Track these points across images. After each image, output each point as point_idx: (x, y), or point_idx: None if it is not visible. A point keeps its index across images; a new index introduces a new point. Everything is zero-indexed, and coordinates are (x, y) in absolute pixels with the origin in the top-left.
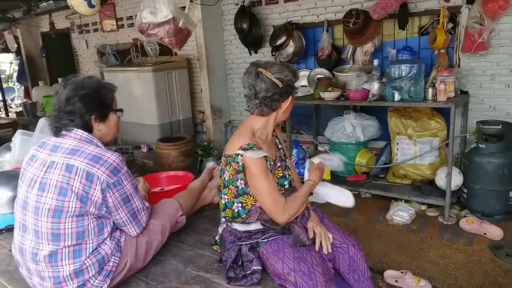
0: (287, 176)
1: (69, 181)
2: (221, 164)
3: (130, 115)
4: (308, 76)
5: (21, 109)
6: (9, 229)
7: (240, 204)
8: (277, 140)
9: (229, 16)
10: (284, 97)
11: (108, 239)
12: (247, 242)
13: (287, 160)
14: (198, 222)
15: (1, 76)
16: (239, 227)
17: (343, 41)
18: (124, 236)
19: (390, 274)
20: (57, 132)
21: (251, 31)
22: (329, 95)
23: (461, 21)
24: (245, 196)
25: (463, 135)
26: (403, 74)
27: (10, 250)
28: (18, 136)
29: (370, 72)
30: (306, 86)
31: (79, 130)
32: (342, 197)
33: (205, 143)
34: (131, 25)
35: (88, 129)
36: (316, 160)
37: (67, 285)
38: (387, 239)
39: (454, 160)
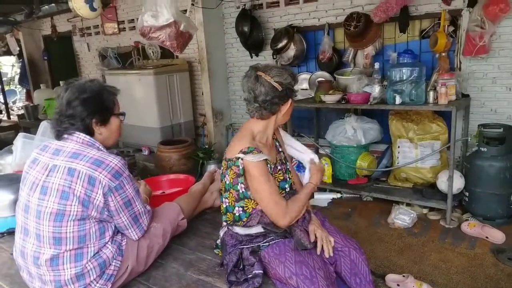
0: (288, 179)
1: (71, 185)
2: (222, 167)
3: (131, 118)
4: (309, 79)
5: (22, 111)
6: (11, 232)
7: (241, 208)
8: (277, 143)
9: (230, 19)
10: (283, 100)
11: (109, 243)
12: (249, 246)
13: (287, 163)
14: (199, 225)
15: (3, 79)
16: (240, 230)
17: (344, 44)
18: (125, 240)
19: (392, 278)
20: (58, 135)
21: (252, 34)
22: (330, 98)
23: (462, 24)
24: (246, 200)
25: (464, 139)
26: (404, 77)
27: (12, 254)
28: (20, 139)
29: (371, 75)
30: (307, 89)
31: (81, 134)
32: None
33: (206, 146)
34: (133, 28)
35: (89, 132)
36: (317, 159)
37: None
38: (388, 242)
39: (455, 163)
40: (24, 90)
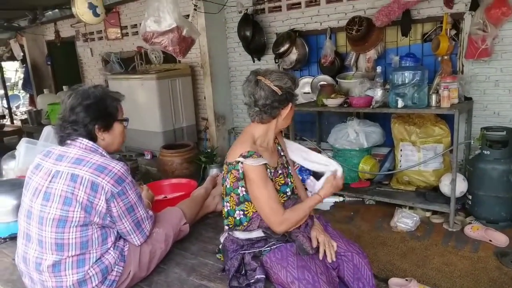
0: (290, 183)
1: (73, 191)
2: (223, 171)
3: (134, 122)
4: (311, 83)
5: (26, 116)
6: (13, 238)
7: (241, 212)
8: (279, 148)
9: (233, 24)
10: (283, 104)
11: (111, 248)
12: (250, 251)
13: (289, 167)
14: (202, 230)
15: (7, 84)
16: (240, 235)
17: (346, 48)
18: (127, 245)
19: (395, 282)
20: (62, 141)
21: (254, 39)
22: (332, 102)
23: (464, 28)
24: (246, 203)
25: (467, 142)
26: (407, 81)
27: (14, 259)
28: (23, 144)
29: (373, 79)
30: (309, 93)
31: (84, 140)
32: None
33: (209, 150)
34: (136, 33)
35: (92, 138)
36: (340, 172)
37: None
38: (391, 246)
39: (458, 166)
40: (28, 95)
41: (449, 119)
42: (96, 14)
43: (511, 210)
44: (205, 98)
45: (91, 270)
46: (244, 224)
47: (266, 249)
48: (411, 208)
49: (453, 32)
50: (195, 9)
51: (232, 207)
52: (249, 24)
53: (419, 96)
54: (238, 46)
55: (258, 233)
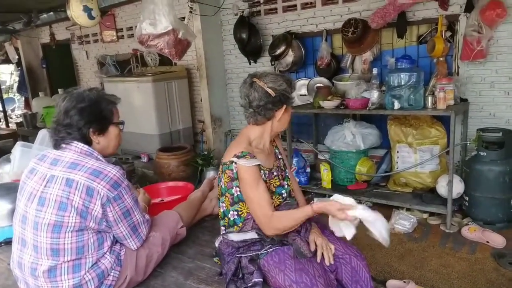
0: (286, 186)
1: (69, 196)
2: (219, 172)
3: (130, 125)
4: (308, 85)
5: (21, 119)
6: (8, 242)
7: (235, 212)
8: (277, 151)
9: (229, 26)
10: (277, 106)
11: (108, 253)
12: (247, 254)
13: (286, 170)
14: (199, 233)
15: (2, 87)
16: (235, 237)
17: (342, 50)
18: (124, 250)
19: (393, 284)
20: (56, 144)
21: (250, 41)
22: (328, 104)
23: (459, 29)
24: (241, 204)
25: (463, 143)
26: (403, 83)
27: (9, 264)
28: (18, 148)
29: (370, 81)
30: (305, 95)
31: (79, 143)
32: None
33: (205, 153)
34: (131, 35)
35: (87, 142)
36: (354, 207)
37: None
38: (389, 248)
39: (455, 168)
40: (23, 98)
41: (445, 121)
42: (91, 17)
43: (508, 211)
44: (201, 100)
45: (87, 275)
46: (239, 225)
47: (263, 252)
48: (408, 209)
49: (448, 33)
50: (190, 12)
51: (227, 207)
52: (245, 27)
53: (415, 97)
54: (234, 49)
55: (252, 235)
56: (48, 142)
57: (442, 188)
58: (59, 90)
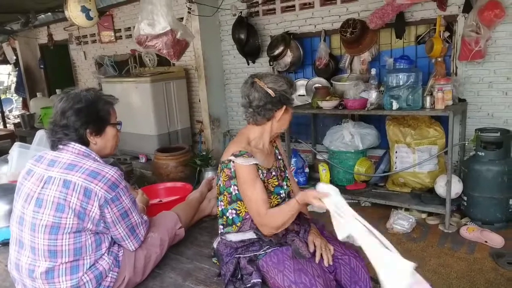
0: (286, 186)
1: (66, 197)
2: (217, 171)
3: (128, 125)
4: (306, 85)
5: (19, 120)
6: (5, 244)
7: (234, 211)
8: (277, 151)
9: (227, 27)
10: (277, 106)
11: (106, 254)
12: (246, 255)
13: (286, 171)
14: (197, 234)
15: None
16: (233, 237)
17: (340, 51)
18: (122, 251)
19: None
20: (53, 145)
21: (248, 42)
22: (327, 104)
23: (457, 30)
24: (239, 202)
25: (461, 143)
26: (401, 83)
27: (7, 266)
28: (16, 149)
29: (368, 81)
30: (304, 95)
31: (76, 144)
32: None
33: (204, 153)
34: (129, 36)
35: (84, 142)
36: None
37: None
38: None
39: (453, 168)
40: (21, 99)
41: (444, 121)
42: (89, 17)
43: (506, 211)
44: (199, 101)
45: (85, 277)
46: (238, 224)
47: (261, 253)
48: (406, 209)
49: (447, 34)
50: (189, 12)
51: (226, 206)
52: (244, 27)
53: (414, 98)
54: (233, 49)
55: (250, 235)
56: (46, 143)
57: (440, 188)
58: (57, 90)
